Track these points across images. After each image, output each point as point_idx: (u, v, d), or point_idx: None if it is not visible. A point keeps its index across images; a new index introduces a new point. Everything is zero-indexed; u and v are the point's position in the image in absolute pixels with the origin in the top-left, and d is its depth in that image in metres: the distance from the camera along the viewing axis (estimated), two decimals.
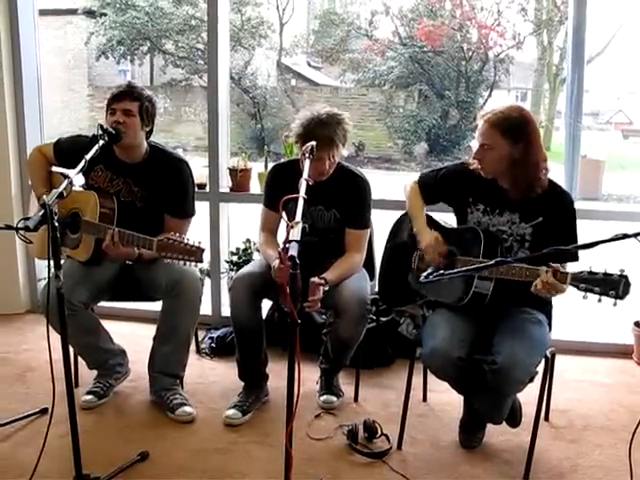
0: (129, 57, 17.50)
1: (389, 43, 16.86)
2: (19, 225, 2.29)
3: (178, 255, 2.75)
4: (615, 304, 2.23)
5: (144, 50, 17.39)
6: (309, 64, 19.62)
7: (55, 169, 3.18)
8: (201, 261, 2.76)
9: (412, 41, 16.31)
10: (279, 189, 2.90)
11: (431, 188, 3.01)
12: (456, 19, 15.86)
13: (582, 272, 2.30)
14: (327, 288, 2.93)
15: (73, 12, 16.57)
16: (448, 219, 3.04)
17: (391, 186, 4.16)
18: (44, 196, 2.26)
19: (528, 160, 2.64)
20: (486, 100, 16.27)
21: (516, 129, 2.63)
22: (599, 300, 2.25)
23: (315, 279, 2.92)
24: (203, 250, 2.76)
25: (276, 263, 2.89)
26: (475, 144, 2.75)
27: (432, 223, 2.99)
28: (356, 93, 16.90)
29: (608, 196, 11.97)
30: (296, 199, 2.21)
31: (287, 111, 16.08)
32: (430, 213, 3.04)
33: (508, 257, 2.65)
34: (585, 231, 2.74)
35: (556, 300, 2.79)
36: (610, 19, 14.00)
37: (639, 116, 19.25)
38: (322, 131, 2.96)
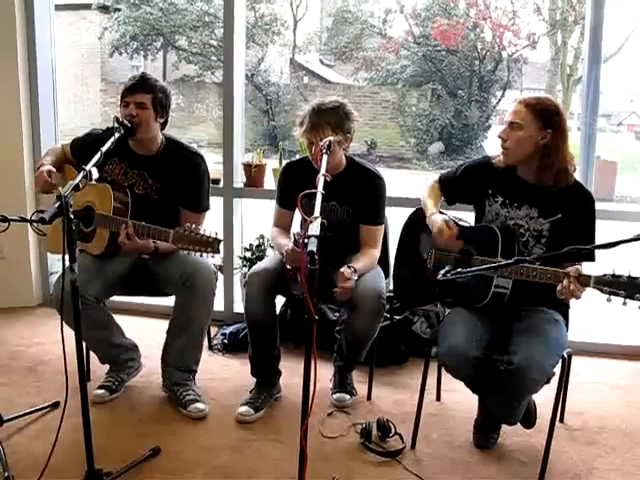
0: (142, 53, 17.51)
1: (403, 42, 16.82)
2: (34, 217, 2.28)
3: (194, 246, 2.70)
4: None
5: (157, 46, 17.41)
6: (322, 62, 19.58)
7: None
8: (218, 252, 2.72)
9: (426, 40, 16.27)
10: (292, 187, 2.90)
11: (452, 183, 2.99)
12: (471, 18, 15.79)
13: (605, 275, 2.26)
14: (356, 277, 2.93)
15: (87, 7, 16.59)
16: (464, 218, 3.02)
17: (403, 184, 4.14)
18: (60, 188, 2.23)
19: (557, 148, 2.63)
20: (499, 100, 16.21)
21: (549, 114, 2.63)
22: (624, 303, 2.20)
23: (344, 269, 2.91)
24: (220, 241, 2.72)
25: (289, 247, 2.87)
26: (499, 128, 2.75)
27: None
28: (369, 91, 16.87)
29: (621, 197, 11.91)
30: (310, 195, 2.19)
31: (299, 108, 16.04)
32: (446, 212, 3.01)
33: (525, 255, 2.63)
34: (600, 231, 2.70)
35: (573, 301, 2.75)
36: (624, 21, 13.90)
37: None
38: (321, 106, 3.06)
